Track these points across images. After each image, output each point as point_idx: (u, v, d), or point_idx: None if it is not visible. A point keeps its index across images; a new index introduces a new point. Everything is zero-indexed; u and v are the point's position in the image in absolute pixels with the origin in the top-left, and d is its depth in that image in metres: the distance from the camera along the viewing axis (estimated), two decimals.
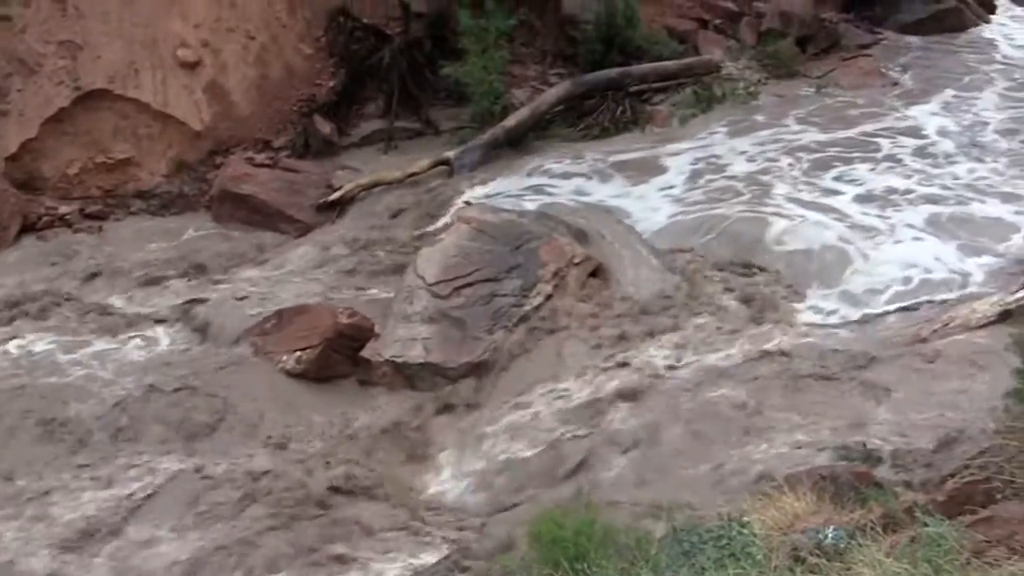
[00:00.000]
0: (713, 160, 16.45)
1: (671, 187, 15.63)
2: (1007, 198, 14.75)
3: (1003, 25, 25.27)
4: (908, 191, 15.10)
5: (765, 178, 15.58)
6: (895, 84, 20.75)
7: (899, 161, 16.36)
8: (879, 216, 14.26)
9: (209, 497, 9.87)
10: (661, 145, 17.24)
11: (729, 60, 20.93)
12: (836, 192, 15.14)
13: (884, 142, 17.16)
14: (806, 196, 14.91)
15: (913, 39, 23.77)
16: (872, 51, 22.72)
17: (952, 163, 16.22)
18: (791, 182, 15.44)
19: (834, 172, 15.83)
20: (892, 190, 15.15)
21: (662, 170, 16.20)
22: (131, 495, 9.87)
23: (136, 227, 15.57)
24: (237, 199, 15.55)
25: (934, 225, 13.97)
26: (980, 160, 16.38)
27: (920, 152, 16.73)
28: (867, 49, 22.79)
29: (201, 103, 16.89)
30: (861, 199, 14.82)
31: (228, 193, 15.63)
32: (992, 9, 26.39)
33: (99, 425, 10.75)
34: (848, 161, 16.20)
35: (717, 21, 22.32)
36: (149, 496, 9.87)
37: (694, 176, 15.93)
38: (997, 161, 16.30)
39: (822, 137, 17.38)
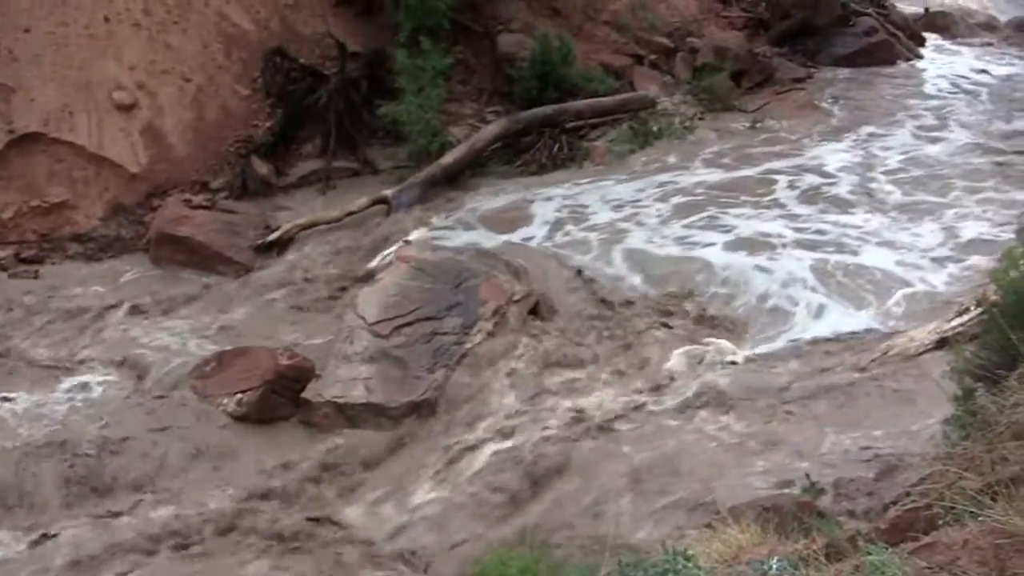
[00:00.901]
0: (579, 209, 16.47)
1: (531, 238, 15.65)
2: (885, 246, 14.82)
3: (932, 60, 25.96)
4: (779, 235, 15.21)
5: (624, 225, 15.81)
6: (829, 116, 21.28)
7: (782, 205, 16.47)
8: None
9: (141, 544, 9.88)
10: (536, 188, 17.37)
11: (665, 95, 21.30)
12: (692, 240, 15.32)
13: (782, 182, 17.37)
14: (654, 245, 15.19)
15: (845, 72, 24.29)
16: (806, 84, 23.17)
17: (840, 207, 16.37)
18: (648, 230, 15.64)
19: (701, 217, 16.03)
20: (763, 234, 15.22)
21: (527, 220, 16.26)
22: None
23: (73, 271, 15.48)
24: (175, 241, 15.55)
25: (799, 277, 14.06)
26: (870, 205, 16.48)
27: (809, 195, 16.86)
28: (801, 83, 23.23)
29: (137, 145, 16.93)
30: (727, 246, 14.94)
31: (166, 235, 15.63)
32: (922, 43, 27.12)
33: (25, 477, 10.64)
34: (727, 205, 16.37)
35: (652, 57, 22.68)
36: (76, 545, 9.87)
37: (556, 226, 15.93)
38: (884, 206, 16.40)
39: (715, 178, 17.62)
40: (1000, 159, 18.26)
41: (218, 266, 15.34)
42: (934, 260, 14.27)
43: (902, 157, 18.59)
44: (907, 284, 13.54)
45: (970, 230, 15.11)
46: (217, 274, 15.25)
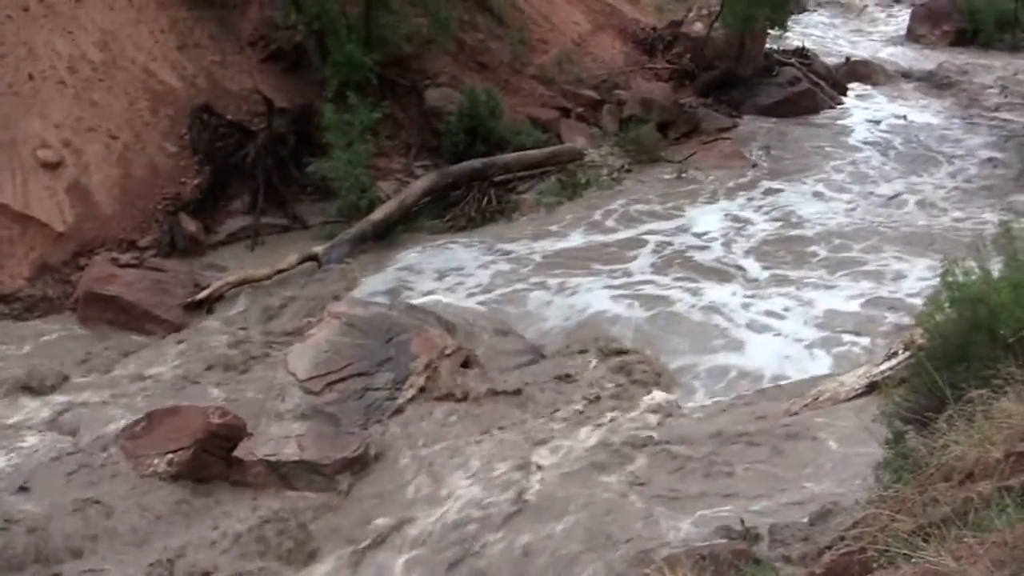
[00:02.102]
0: (405, 280, 16.69)
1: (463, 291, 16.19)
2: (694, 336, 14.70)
3: (854, 108, 26.77)
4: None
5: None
6: (755, 166, 21.88)
7: (628, 275, 16.68)
8: None
9: None
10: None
11: (592, 147, 21.81)
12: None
13: (648, 245, 17.80)
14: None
15: (770, 122, 25.00)
16: (731, 134, 23.81)
17: (688, 278, 16.49)
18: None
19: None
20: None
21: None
22: None
23: None
24: (103, 300, 15.53)
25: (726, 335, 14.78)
26: (720, 278, 16.57)
27: (660, 263, 17.11)
28: (726, 132, 23.86)
29: (63, 204, 16.95)
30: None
31: (93, 295, 15.60)
32: (844, 91, 27.97)
33: None
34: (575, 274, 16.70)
35: (579, 109, 23.18)
36: None
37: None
38: (734, 283, 16.43)
39: (575, 243, 18.02)
40: (887, 223, 18.79)
41: (147, 325, 15.35)
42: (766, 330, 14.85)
43: (784, 219, 19.06)
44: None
45: (821, 302, 15.56)
46: (146, 333, 15.26)
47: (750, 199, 20.13)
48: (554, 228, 18.59)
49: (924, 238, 17.80)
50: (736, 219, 19.12)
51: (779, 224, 18.87)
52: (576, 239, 18.15)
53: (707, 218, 19.08)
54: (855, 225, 18.68)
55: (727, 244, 17.97)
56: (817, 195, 20.44)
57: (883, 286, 16.05)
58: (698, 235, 18.33)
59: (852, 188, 20.75)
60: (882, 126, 25.14)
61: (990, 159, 22.33)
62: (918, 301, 14.25)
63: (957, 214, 19.12)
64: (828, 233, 18.26)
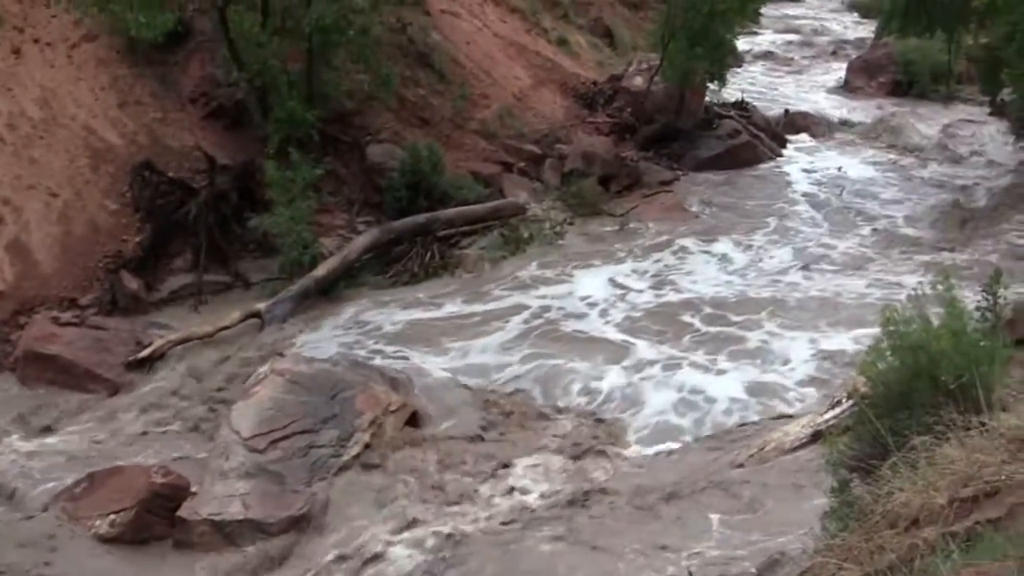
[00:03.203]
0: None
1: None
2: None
3: (792, 160, 27.38)
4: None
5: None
6: (696, 218, 22.30)
7: (466, 352, 16.19)
8: None
9: None
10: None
11: (535, 201, 22.11)
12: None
13: (523, 313, 17.47)
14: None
15: (711, 174, 25.46)
16: (673, 187, 24.23)
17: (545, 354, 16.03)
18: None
19: None
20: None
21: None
22: None
23: None
24: (43, 360, 15.50)
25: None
26: (582, 354, 15.95)
27: (519, 337, 16.69)
28: (668, 185, 24.28)
29: (3, 262, 16.96)
30: None
31: (33, 354, 15.56)
32: (783, 143, 28.55)
33: None
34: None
35: (521, 164, 23.51)
36: None
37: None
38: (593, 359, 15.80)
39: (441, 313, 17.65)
40: (795, 289, 18.56)
41: (88, 384, 15.35)
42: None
43: (684, 284, 18.80)
44: None
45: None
46: (87, 392, 15.23)
47: (656, 262, 19.93)
48: (444, 292, 18.42)
49: (830, 307, 17.47)
50: (635, 281, 18.94)
51: (674, 289, 18.56)
52: (452, 307, 17.82)
53: (595, 281, 18.83)
54: (760, 291, 18.40)
55: (605, 312, 17.57)
56: (733, 255, 20.39)
57: (765, 366, 15.45)
58: (582, 299, 18.06)
59: (775, 247, 20.72)
60: (818, 178, 25.66)
61: (916, 215, 22.75)
62: (804, 392, 14.45)
63: (873, 277, 18.95)
64: (722, 301, 17.88)
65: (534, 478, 12.55)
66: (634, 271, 19.41)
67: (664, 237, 21.13)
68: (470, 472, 12.70)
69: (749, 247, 20.76)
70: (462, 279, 18.95)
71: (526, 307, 17.67)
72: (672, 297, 18.26)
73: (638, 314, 17.50)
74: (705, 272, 19.48)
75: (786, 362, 15.44)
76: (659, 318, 17.31)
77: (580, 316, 17.44)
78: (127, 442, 13.91)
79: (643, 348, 16.13)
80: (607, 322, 17.21)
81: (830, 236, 21.43)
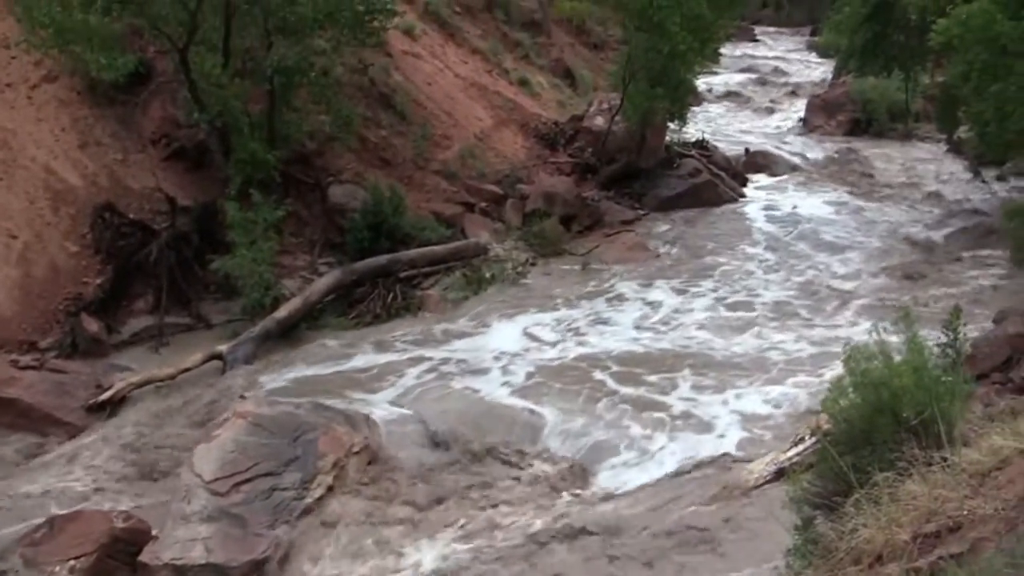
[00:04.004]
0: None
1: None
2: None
3: (752, 199, 27.87)
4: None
5: None
6: (658, 257, 22.54)
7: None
8: None
9: None
10: None
11: (496, 242, 22.32)
12: None
13: (416, 368, 16.74)
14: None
15: (671, 214, 25.83)
16: (634, 226, 24.57)
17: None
18: None
19: None
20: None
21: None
22: None
23: None
24: (2, 403, 15.38)
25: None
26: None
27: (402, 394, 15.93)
28: (629, 224, 24.64)
29: None
30: None
31: None
32: (744, 182, 28.99)
33: None
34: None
35: (483, 204, 23.75)
36: None
37: None
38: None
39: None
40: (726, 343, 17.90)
41: (48, 428, 15.30)
42: None
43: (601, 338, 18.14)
44: None
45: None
46: (47, 435, 15.18)
47: (587, 310, 19.49)
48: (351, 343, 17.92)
49: (759, 363, 16.82)
50: (550, 332, 18.33)
51: (589, 343, 17.84)
52: (360, 359, 17.19)
53: (510, 331, 18.34)
54: (687, 344, 17.81)
55: (507, 370, 16.74)
56: (670, 302, 20.01)
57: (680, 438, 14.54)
58: (491, 353, 17.36)
59: (715, 293, 20.52)
60: (776, 218, 26.07)
61: (871, 255, 23.03)
62: None
63: (816, 326, 18.50)
64: (640, 358, 17.10)
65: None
66: (558, 320, 18.94)
67: (605, 284, 20.90)
68: (434, 513, 12.77)
69: (687, 292, 20.52)
70: (425, 318, 19.07)
71: (427, 359, 17.07)
72: (583, 351, 17.47)
73: (540, 371, 16.60)
74: (631, 323, 18.93)
75: (707, 429, 14.65)
76: (563, 376, 16.37)
77: (480, 372, 16.69)
78: (88, 486, 13.80)
79: (537, 412, 15.09)
80: (505, 383, 16.27)
81: (777, 281, 21.28)
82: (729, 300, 20.13)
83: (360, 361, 17.11)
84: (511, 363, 16.94)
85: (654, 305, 19.86)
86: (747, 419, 14.87)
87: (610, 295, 20.33)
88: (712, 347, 17.66)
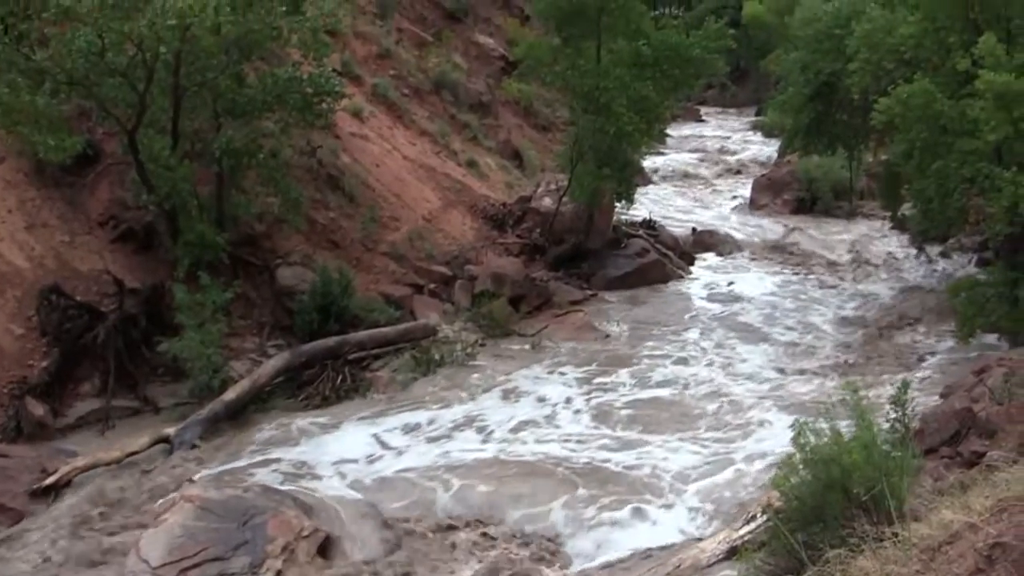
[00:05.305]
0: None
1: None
2: None
3: (697, 279, 28.43)
4: None
5: None
6: (607, 337, 22.81)
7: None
8: None
9: None
10: None
11: (446, 323, 22.52)
12: None
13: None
14: None
15: (620, 293, 26.22)
16: (583, 306, 24.86)
17: None
18: None
19: None
20: None
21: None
22: None
23: None
24: None
25: None
26: None
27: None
28: (579, 304, 24.92)
29: None
30: None
31: None
32: (691, 261, 29.47)
33: None
34: None
35: (432, 285, 24.02)
36: None
37: None
38: None
39: None
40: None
41: None
42: None
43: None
44: None
45: None
46: None
47: (468, 410, 18.63)
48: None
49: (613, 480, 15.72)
50: (401, 437, 17.50)
51: (441, 451, 16.89)
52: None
53: (358, 436, 17.55)
54: (572, 452, 16.78)
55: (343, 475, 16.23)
56: (567, 400, 19.13)
57: None
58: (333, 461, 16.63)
59: (626, 388, 19.77)
60: (717, 297, 26.60)
61: (816, 333, 23.49)
62: None
63: (705, 441, 17.22)
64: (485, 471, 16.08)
65: None
66: (430, 420, 18.13)
67: (500, 377, 20.18)
68: None
69: (592, 385, 19.83)
70: (372, 399, 19.19)
71: (274, 460, 16.60)
72: (431, 462, 16.50)
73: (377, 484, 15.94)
74: (502, 426, 17.91)
75: None
76: (392, 489, 15.76)
77: (315, 479, 16.08)
78: (31, 573, 13.72)
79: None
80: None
81: (695, 375, 20.57)
82: (628, 398, 19.21)
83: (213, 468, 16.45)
84: (345, 470, 16.31)
85: (550, 404, 18.89)
86: None
87: (506, 387, 19.73)
88: (575, 462, 16.32)
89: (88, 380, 18.41)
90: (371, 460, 16.70)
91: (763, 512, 11.16)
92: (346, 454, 16.79)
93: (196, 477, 15.70)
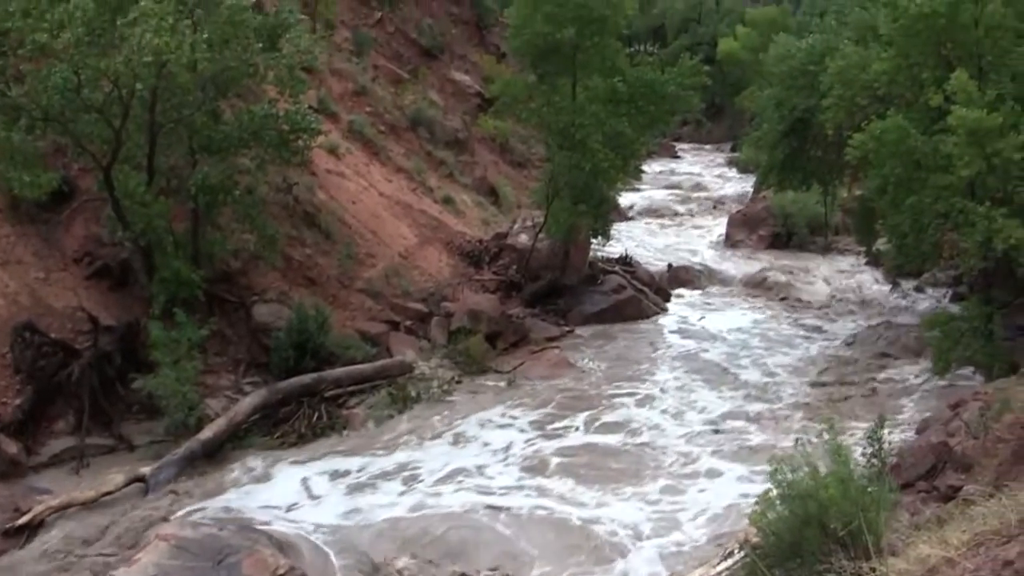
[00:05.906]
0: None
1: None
2: None
3: (673, 313, 28.56)
4: None
5: None
6: (583, 373, 22.89)
7: None
8: None
9: None
10: None
11: (422, 360, 22.63)
12: None
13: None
14: None
15: (597, 328, 26.34)
16: (559, 343, 24.99)
17: None
18: None
19: None
20: None
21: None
22: None
23: None
24: None
25: None
26: None
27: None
28: (555, 340, 25.05)
29: None
30: None
31: None
32: (667, 297, 29.61)
33: None
34: None
35: (408, 322, 24.07)
36: None
37: None
38: None
39: None
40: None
41: None
42: None
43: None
44: None
45: None
46: None
47: (413, 457, 18.41)
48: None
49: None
50: (329, 484, 17.33)
51: (378, 502, 16.70)
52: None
53: (288, 483, 17.25)
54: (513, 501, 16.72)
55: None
56: (515, 444, 19.04)
57: None
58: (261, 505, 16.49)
59: (586, 431, 19.72)
60: (690, 333, 26.75)
61: (789, 370, 23.63)
62: None
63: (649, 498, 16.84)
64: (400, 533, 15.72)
65: None
66: (360, 468, 17.87)
67: (457, 420, 20.00)
68: None
69: (547, 431, 19.65)
70: (347, 437, 19.19)
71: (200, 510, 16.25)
72: (362, 519, 16.20)
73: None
74: (431, 476, 17.70)
75: None
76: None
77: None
78: None
79: None
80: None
81: (654, 420, 20.41)
82: (579, 443, 19.14)
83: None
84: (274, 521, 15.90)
85: (496, 451, 18.75)
86: None
87: (456, 430, 19.57)
88: (500, 523, 15.99)
89: (62, 418, 18.30)
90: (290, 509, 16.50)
91: (740, 548, 11.20)
92: (272, 501, 16.64)
93: (171, 516, 15.62)
